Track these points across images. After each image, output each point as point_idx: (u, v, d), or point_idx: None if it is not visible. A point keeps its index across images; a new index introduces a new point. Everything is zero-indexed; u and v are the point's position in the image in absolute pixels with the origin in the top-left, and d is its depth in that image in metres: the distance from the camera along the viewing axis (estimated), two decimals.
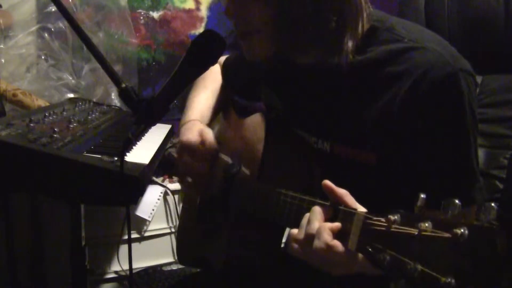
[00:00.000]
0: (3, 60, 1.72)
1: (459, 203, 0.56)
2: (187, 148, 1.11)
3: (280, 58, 0.98)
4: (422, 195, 0.60)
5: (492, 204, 0.51)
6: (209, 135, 1.12)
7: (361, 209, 0.73)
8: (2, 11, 1.72)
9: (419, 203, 0.60)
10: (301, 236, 0.75)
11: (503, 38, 1.19)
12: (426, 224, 0.57)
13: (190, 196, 1.32)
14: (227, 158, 1.16)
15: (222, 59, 1.30)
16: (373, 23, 0.89)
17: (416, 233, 0.57)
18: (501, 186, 1.12)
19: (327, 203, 0.76)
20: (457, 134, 0.85)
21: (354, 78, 0.89)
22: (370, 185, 0.77)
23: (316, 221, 0.73)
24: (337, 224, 0.72)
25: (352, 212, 0.71)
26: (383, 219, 0.63)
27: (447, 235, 0.54)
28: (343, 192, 0.75)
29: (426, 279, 0.55)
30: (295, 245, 0.76)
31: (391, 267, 0.60)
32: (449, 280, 0.52)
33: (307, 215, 0.76)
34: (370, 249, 0.64)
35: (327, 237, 0.70)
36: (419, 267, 0.56)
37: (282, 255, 1.02)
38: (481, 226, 0.51)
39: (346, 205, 0.74)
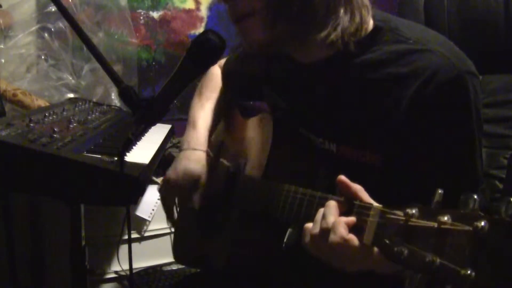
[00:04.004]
0: (3, 60, 1.72)
1: (478, 198, 0.56)
2: (174, 187, 1.12)
3: (282, 55, 0.98)
4: (440, 191, 0.60)
5: None
6: (201, 189, 1.11)
7: (376, 204, 0.73)
8: (2, 11, 1.72)
9: (436, 198, 0.60)
10: (316, 230, 0.74)
11: (502, 38, 1.19)
12: (445, 218, 0.57)
13: (169, 203, 1.31)
14: (226, 162, 1.16)
15: (222, 61, 1.30)
16: (377, 23, 0.89)
17: (436, 226, 0.57)
18: (501, 186, 1.12)
19: (341, 198, 0.76)
20: (463, 136, 0.85)
21: (358, 78, 0.89)
22: (376, 186, 0.77)
23: (331, 215, 0.73)
24: (352, 218, 0.72)
25: (368, 206, 0.70)
26: (400, 213, 0.63)
27: (467, 228, 0.54)
28: (358, 188, 0.75)
29: (445, 271, 0.55)
30: (310, 240, 0.75)
31: (409, 261, 0.60)
32: (469, 272, 0.52)
33: (322, 209, 0.76)
34: (387, 242, 0.64)
35: (343, 231, 0.70)
36: (438, 260, 0.56)
37: (283, 255, 1.02)
38: (502, 220, 0.52)
39: (361, 200, 0.73)
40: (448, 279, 0.54)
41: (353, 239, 0.69)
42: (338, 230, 0.70)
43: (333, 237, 0.71)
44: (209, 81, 1.28)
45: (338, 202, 0.75)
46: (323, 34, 0.85)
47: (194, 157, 1.13)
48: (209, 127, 1.21)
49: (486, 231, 0.52)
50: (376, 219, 0.67)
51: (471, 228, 0.53)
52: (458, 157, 0.86)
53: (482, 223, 0.52)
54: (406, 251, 0.60)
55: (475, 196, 0.56)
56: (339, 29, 0.85)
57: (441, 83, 0.81)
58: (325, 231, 0.72)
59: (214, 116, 1.24)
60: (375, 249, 0.68)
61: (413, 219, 0.61)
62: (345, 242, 0.69)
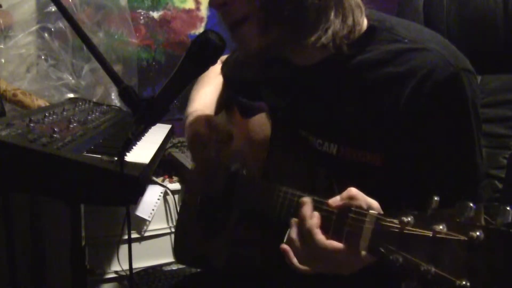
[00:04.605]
0: (3, 60, 1.72)
1: (473, 206, 0.55)
2: (198, 142, 1.07)
3: (278, 59, 0.98)
4: (436, 197, 0.60)
5: (508, 208, 0.52)
6: (216, 121, 1.09)
7: (374, 203, 0.72)
8: (2, 11, 1.72)
9: (432, 205, 0.60)
10: (297, 244, 0.76)
11: (501, 38, 1.19)
12: (441, 227, 0.56)
13: (190, 196, 1.32)
14: (225, 162, 1.16)
15: (222, 58, 1.30)
16: (372, 23, 0.89)
17: (431, 235, 0.57)
18: (500, 186, 1.12)
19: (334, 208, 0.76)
20: (462, 133, 0.85)
21: (354, 78, 0.89)
22: (376, 186, 0.77)
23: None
24: (316, 214, 0.75)
25: (364, 212, 0.70)
26: (396, 221, 0.63)
27: (462, 237, 0.54)
28: (351, 195, 0.74)
29: (440, 281, 0.55)
30: (298, 259, 0.77)
31: (404, 269, 0.60)
32: (464, 282, 0.52)
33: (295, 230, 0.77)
34: (382, 250, 0.64)
35: (320, 237, 0.72)
36: (433, 269, 0.56)
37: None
38: (497, 230, 0.52)
39: (357, 206, 0.72)
40: None
41: (334, 243, 0.71)
42: (314, 236, 0.72)
43: (312, 244, 0.73)
44: (210, 71, 1.29)
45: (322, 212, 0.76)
46: (314, 38, 0.86)
47: (192, 118, 1.13)
48: (207, 104, 1.21)
49: (482, 240, 0.52)
50: (372, 226, 0.67)
51: (466, 238, 0.53)
52: (458, 154, 0.86)
53: (477, 233, 0.52)
54: (401, 259, 0.60)
55: (471, 204, 0.56)
56: (329, 32, 0.85)
57: (438, 81, 0.81)
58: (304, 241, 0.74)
59: (213, 97, 1.24)
60: (363, 252, 0.68)
61: (408, 227, 0.61)
62: (328, 247, 0.71)
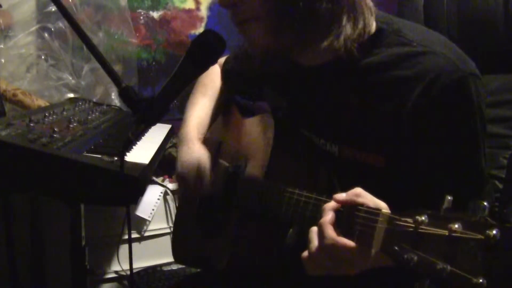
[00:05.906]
0: (3, 60, 1.72)
1: (488, 205, 0.55)
2: (183, 181, 1.14)
3: (284, 59, 0.98)
4: (449, 197, 0.60)
5: None
6: (206, 172, 1.11)
7: (381, 204, 0.72)
8: (2, 11, 1.72)
9: (445, 205, 0.60)
10: (315, 252, 0.73)
11: (502, 38, 1.19)
12: (456, 226, 0.56)
13: (188, 196, 1.32)
14: (225, 163, 1.16)
15: (222, 60, 1.30)
16: (379, 25, 0.89)
17: (446, 233, 0.57)
18: (500, 186, 1.12)
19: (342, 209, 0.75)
20: (467, 137, 0.85)
21: (361, 80, 0.89)
22: (379, 188, 0.77)
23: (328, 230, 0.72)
24: (331, 216, 0.73)
25: (376, 212, 0.69)
26: (410, 220, 0.62)
27: (479, 236, 0.54)
28: (356, 193, 0.73)
29: (456, 279, 0.55)
30: (310, 260, 0.75)
31: (418, 267, 0.60)
32: (481, 281, 0.52)
33: (315, 230, 0.74)
34: (396, 249, 0.63)
35: (331, 232, 0.70)
36: (449, 267, 0.56)
37: (284, 254, 1.02)
38: None
39: (364, 205, 0.72)
40: (460, 287, 0.54)
41: (345, 240, 0.69)
42: (325, 232, 0.71)
43: (323, 239, 0.71)
44: (204, 77, 1.28)
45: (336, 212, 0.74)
46: (326, 43, 0.86)
47: (188, 150, 1.14)
48: (201, 121, 1.22)
49: (498, 239, 0.52)
50: (385, 225, 0.67)
51: (483, 237, 0.53)
52: (462, 159, 0.86)
53: (494, 231, 0.52)
54: (416, 258, 0.60)
55: (485, 203, 0.56)
56: (341, 37, 0.85)
57: (445, 85, 0.81)
58: (326, 250, 0.72)
59: (208, 111, 1.24)
60: (373, 250, 0.68)
61: (423, 226, 0.60)
62: (338, 243, 0.69)
